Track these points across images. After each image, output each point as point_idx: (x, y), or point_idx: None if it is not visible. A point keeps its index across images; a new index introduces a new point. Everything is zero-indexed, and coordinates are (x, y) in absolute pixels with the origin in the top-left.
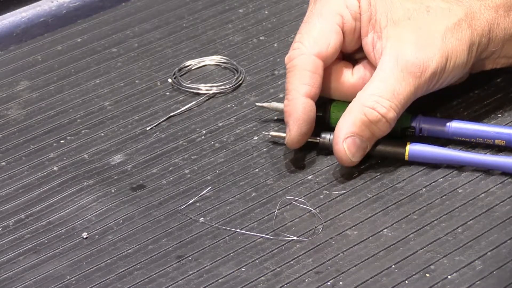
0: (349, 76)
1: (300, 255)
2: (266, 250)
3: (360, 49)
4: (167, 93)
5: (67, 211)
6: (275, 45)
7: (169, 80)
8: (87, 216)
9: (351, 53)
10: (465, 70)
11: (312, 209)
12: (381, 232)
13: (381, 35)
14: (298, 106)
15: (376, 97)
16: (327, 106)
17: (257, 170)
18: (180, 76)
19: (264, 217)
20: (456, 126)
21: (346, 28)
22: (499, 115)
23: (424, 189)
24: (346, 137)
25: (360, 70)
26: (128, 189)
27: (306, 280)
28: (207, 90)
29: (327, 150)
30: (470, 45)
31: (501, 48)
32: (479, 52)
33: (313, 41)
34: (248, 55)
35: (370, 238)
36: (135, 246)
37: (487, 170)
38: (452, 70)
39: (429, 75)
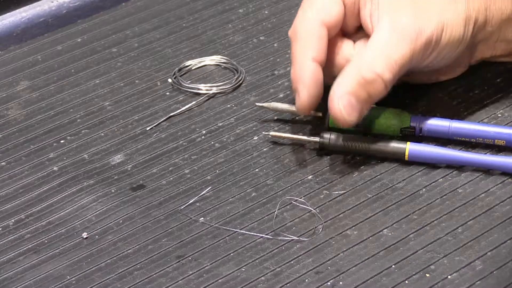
0: (351, 50)
1: (300, 255)
2: (266, 250)
3: (360, 29)
4: (167, 93)
5: (67, 211)
6: (275, 45)
7: (169, 80)
8: (87, 216)
9: (352, 34)
10: (462, 46)
11: (312, 209)
12: (381, 232)
13: (378, 6)
14: (306, 70)
15: (372, 57)
16: (327, 106)
17: (257, 170)
18: (180, 76)
19: (264, 217)
20: (456, 126)
21: (347, 1)
22: (499, 115)
23: (424, 189)
24: (341, 95)
25: (361, 45)
26: (128, 189)
27: (306, 280)
28: (207, 90)
29: (327, 150)
30: (466, 19)
31: (499, 30)
32: (476, 31)
33: (316, 10)
34: (248, 55)
35: (370, 238)
36: (135, 246)
37: (487, 170)
38: (448, 42)
39: (424, 40)
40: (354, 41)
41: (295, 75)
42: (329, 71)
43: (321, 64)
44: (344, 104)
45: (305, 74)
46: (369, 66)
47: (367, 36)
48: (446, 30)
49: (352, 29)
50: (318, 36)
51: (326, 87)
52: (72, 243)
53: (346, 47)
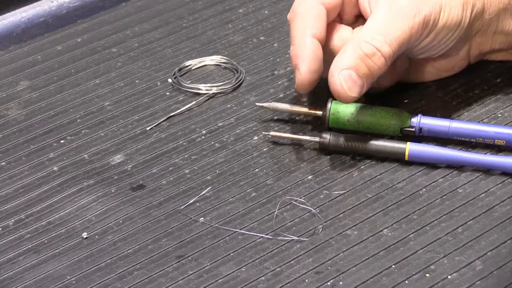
0: (349, 35)
1: (300, 255)
2: (266, 250)
3: (357, 19)
4: (167, 93)
5: (67, 211)
6: (275, 45)
7: (169, 80)
8: (87, 216)
9: (350, 23)
10: (459, 31)
11: (312, 209)
12: (381, 232)
13: None
14: (305, 46)
15: (371, 33)
16: (327, 105)
17: (257, 170)
18: (180, 76)
19: (264, 217)
20: (456, 126)
21: None
22: (499, 115)
23: (424, 189)
24: (341, 69)
25: (360, 29)
26: (128, 189)
27: (306, 280)
28: (207, 90)
29: (327, 150)
30: (464, 2)
31: (496, 20)
32: (474, 17)
33: None
34: (248, 55)
35: (370, 238)
36: (135, 246)
37: (487, 170)
38: (446, 23)
39: (422, 17)
40: (353, 29)
41: (294, 52)
42: (328, 55)
43: (321, 42)
44: (344, 78)
45: (305, 50)
46: (368, 40)
47: (365, 23)
48: (444, 11)
49: (350, 17)
50: (317, 15)
51: (324, 81)
52: (72, 243)
53: (344, 32)
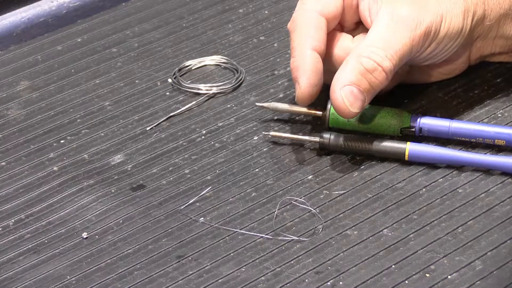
0: (350, 44)
1: (300, 255)
2: (266, 250)
3: (359, 25)
4: (167, 93)
5: (67, 211)
6: (275, 45)
7: (169, 80)
8: (87, 216)
9: (351, 30)
10: (460, 39)
11: (312, 209)
12: (381, 232)
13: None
14: (305, 59)
15: (372, 47)
16: (327, 105)
17: (257, 170)
18: (180, 76)
19: (264, 217)
20: (456, 126)
21: None
22: (499, 115)
23: (424, 189)
24: (343, 85)
25: (360, 38)
26: (128, 189)
27: (306, 280)
28: (207, 90)
29: (327, 150)
30: (465, 10)
31: (497, 25)
32: (475, 24)
33: (315, 2)
34: (248, 55)
35: (370, 238)
36: (135, 246)
37: (487, 170)
38: (447, 32)
39: (423, 29)
40: (353, 36)
41: (294, 65)
42: (329, 65)
43: (321, 54)
44: (346, 94)
45: (305, 63)
46: (369, 55)
47: (366, 31)
48: (445, 21)
49: (351, 24)
50: (317, 26)
51: (325, 86)
52: (72, 243)
53: (345, 41)
